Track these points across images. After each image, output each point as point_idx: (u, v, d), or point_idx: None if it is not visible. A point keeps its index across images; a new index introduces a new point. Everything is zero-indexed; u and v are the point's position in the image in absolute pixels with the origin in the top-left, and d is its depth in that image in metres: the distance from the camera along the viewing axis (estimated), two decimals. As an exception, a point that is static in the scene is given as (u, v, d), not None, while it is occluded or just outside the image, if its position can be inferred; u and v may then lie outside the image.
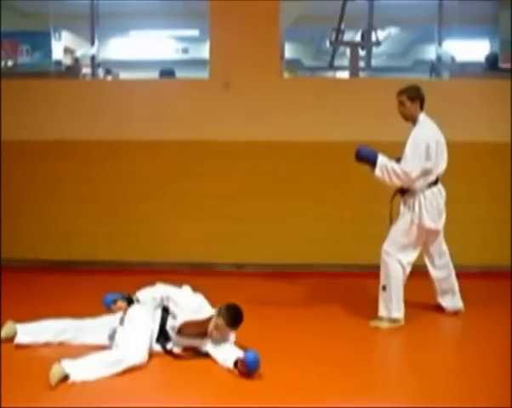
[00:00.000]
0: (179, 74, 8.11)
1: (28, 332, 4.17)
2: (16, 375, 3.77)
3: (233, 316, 3.97)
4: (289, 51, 11.71)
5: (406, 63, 11.39)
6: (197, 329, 4.03)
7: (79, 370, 3.63)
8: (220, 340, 3.99)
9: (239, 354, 3.82)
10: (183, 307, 4.05)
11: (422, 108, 4.72)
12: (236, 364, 3.77)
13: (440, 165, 4.70)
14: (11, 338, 4.16)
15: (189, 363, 3.98)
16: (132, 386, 3.65)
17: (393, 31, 11.63)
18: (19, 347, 4.13)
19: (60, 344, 4.15)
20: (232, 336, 4.06)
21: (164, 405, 3.48)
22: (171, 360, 4.02)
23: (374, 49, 7.82)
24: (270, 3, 6.45)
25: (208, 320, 4.00)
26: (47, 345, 4.15)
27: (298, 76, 10.15)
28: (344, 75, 8.32)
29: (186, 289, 4.24)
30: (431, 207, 4.67)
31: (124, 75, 9.63)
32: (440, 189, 4.75)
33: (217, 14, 6.48)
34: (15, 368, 3.87)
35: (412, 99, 4.66)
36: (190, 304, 4.08)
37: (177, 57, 11.37)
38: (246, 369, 3.71)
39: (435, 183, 4.72)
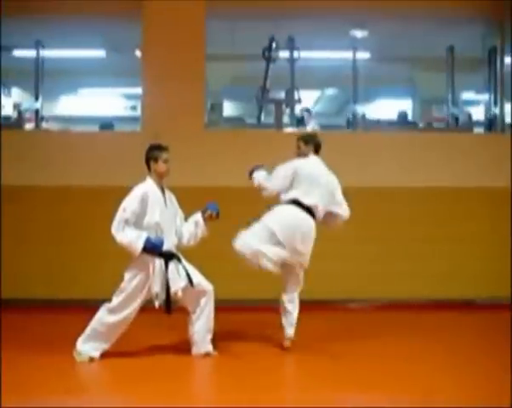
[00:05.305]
0: (127, 129, 8.87)
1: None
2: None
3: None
4: (231, 109, 12.54)
5: (342, 120, 12.22)
6: None
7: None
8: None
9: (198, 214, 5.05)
10: None
11: (316, 152, 5.44)
12: (203, 214, 5.00)
13: (310, 196, 5.24)
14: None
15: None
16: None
17: (330, 91, 12.55)
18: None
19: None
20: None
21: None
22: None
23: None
24: (197, 67, 7.44)
25: None
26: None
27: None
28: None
29: None
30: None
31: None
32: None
33: (149, 74, 7.48)
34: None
35: (307, 142, 5.43)
36: None
37: (125, 114, 12.04)
38: (211, 211, 4.98)
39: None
